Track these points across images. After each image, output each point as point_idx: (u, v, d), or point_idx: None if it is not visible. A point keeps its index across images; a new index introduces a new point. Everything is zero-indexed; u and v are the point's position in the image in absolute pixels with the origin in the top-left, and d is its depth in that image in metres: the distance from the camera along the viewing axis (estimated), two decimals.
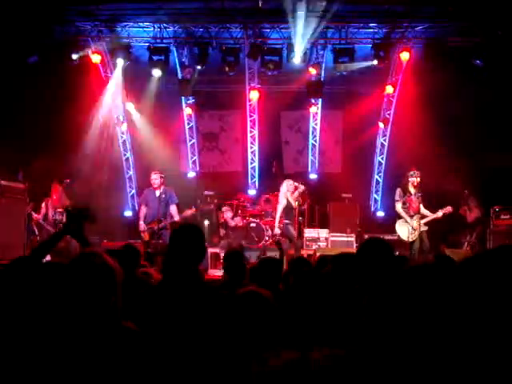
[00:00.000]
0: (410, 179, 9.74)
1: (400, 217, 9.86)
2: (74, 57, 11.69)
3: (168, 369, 2.63)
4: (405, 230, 9.75)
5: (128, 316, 2.50)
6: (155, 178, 10.04)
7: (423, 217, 9.78)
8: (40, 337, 2.28)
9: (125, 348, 2.26)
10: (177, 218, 9.92)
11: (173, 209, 10.05)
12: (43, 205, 10.30)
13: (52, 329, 2.29)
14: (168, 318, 2.81)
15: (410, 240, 9.66)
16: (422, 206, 9.81)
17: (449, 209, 9.87)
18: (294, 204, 10.39)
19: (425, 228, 9.76)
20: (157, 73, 12.22)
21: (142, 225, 10.13)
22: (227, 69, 12.04)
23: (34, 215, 10.26)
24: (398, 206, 9.84)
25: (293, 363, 1.21)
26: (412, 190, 9.75)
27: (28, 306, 2.60)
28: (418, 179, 9.73)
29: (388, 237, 11.03)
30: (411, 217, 9.72)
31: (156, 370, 2.40)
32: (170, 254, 3.10)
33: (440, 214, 9.79)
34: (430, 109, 11.93)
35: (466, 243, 11.65)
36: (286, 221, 10.34)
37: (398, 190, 9.88)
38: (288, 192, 10.37)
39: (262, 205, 12.54)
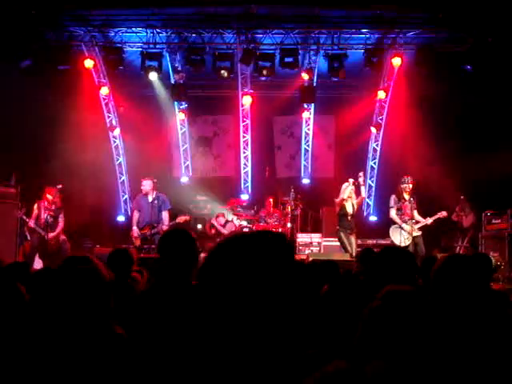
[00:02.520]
0: (403, 185, 9.84)
1: (394, 223, 9.94)
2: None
3: (158, 376, 2.63)
4: (398, 236, 9.82)
5: (118, 322, 2.50)
6: (144, 185, 10.09)
7: (417, 222, 9.85)
8: (30, 342, 2.27)
9: (115, 354, 2.26)
10: (165, 226, 9.89)
11: (164, 215, 10.06)
12: (35, 207, 10.24)
13: (42, 334, 2.28)
14: (158, 325, 2.79)
15: (403, 245, 9.71)
16: (415, 211, 9.88)
17: (443, 213, 9.97)
18: (352, 210, 9.89)
19: (418, 233, 9.82)
20: (150, 78, 12.24)
21: (135, 230, 10.13)
22: (224, 73, 12.05)
23: (28, 220, 10.20)
24: (393, 213, 9.92)
25: (344, 375, 1.14)
26: (406, 196, 9.86)
27: (18, 310, 2.60)
28: (411, 185, 9.82)
29: (381, 241, 11.11)
30: (405, 222, 9.79)
31: (146, 377, 2.40)
32: (159, 260, 3.06)
33: (430, 220, 9.89)
34: (422, 114, 12.00)
35: (459, 247, 11.72)
36: (341, 229, 9.89)
37: (393, 197, 9.98)
38: (350, 197, 9.87)
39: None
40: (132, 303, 2.99)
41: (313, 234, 12.39)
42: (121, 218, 13.85)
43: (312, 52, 12.41)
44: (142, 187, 10.16)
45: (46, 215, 10.08)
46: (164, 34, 12.11)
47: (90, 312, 2.28)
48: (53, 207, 10.24)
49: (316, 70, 12.63)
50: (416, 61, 11.82)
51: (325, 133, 14.28)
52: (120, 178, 14.08)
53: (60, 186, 10.28)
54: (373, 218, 13.84)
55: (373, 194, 14.05)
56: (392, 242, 10.00)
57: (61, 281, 2.31)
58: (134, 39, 12.23)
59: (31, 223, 10.12)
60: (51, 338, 2.25)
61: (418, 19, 11.54)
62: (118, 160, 13.98)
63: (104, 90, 12.87)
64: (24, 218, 10.20)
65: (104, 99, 13.18)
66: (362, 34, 12.00)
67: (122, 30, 12.00)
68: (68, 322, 2.25)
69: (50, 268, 3.33)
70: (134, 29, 12.00)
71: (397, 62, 11.97)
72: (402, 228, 9.79)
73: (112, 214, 13.79)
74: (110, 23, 11.85)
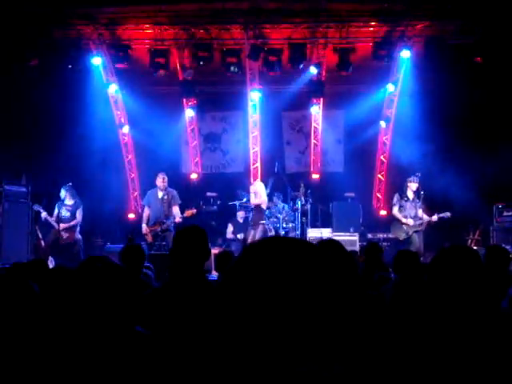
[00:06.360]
0: (408, 184, 10.00)
1: (397, 219, 10.17)
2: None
3: (176, 372, 2.63)
4: (398, 231, 10.11)
5: (133, 319, 2.50)
6: (163, 179, 10.13)
7: (419, 219, 10.04)
8: (50, 342, 2.28)
9: (137, 352, 2.26)
10: (177, 219, 9.96)
11: (175, 210, 10.10)
12: (56, 208, 10.41)
13: (63, 334, 2.29)
14: (174, 320, 2.81)
15: (402, 238, 9.99)
16: (420, 210, 10.01)
17: (447, 214, 10.10)
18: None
19: (418, 228, 9.97)
20: (158, 75, 12.25)
21: (144, 228, 10.18)
22: (233, 69, 12.06)
23: (41, 211, 10.34)
24: (395, 210, 10.25)
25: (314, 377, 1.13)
26: (410, 195, 10.04)
27: (36, 310, 2.61)
28: (417, 185, 9.97)
29: (390, 235, 11.12)
30: (406, 218, 10.02)
31: (165, 374, 2.40)
32: (173, 255, 3.11)
33: (434, 218, 10.04)
34: (432, 107, 11.93)
35: (470, 240, 11.70)
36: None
37: (396, 195, 10.27)
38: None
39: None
40: (148, 299, 3.02)
41: (323, 229, 12.35)
42: (131, 215, 13.87)
43: (320, 46, 12.37)
44: (160, 181, 10.21)
45: (60, 210, 10.26)
46: (171, 31, 12.11)
47: (109, 310, 2.28)
48: (70, 203, 10.42)
49: (324, 65, 12.59)
50: (425, 53, 11.75)
51: (334, 127, 14.22)
52: (130, 175, 14.11)
53: (70, 184, 10.38)
54: (383, 212, 13.78)
55: (383, 188, 13.99)
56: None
57: (83, 280, 2.31)
58: (141, 36, 12.24)
59: (43, 214, 10.26)
60: (64, 335, 2.25)
61: (427, 11, 11.46)
62: (127, 157, 14.00)
63: (112, 88, 12.88)
64: (40, 210, 10.32)
65: (112, 97, 13.19)
66: (371, 27, 11.95)
67: (130, 27, 12.02)
68: (88, 321, 2.25)
69: (64, 267, 3.34)
70: (141, 26, 12.01)
71: (406, 54, 11.91)
72: (402, 224, 10.00)
73: (122, 211, 13.82)
74: (117, 20, 11.87)
